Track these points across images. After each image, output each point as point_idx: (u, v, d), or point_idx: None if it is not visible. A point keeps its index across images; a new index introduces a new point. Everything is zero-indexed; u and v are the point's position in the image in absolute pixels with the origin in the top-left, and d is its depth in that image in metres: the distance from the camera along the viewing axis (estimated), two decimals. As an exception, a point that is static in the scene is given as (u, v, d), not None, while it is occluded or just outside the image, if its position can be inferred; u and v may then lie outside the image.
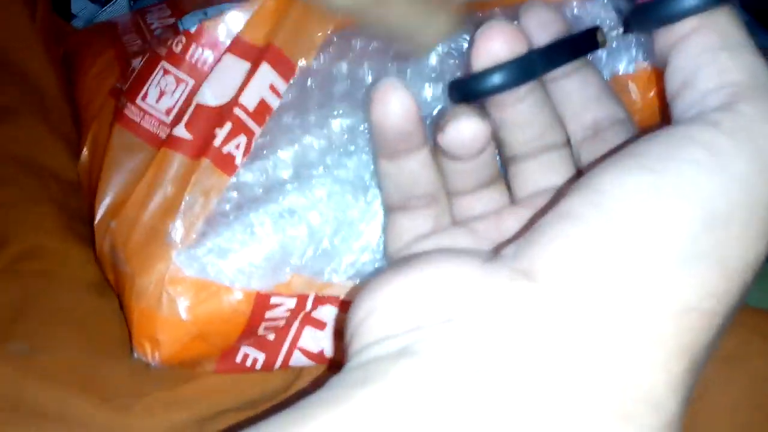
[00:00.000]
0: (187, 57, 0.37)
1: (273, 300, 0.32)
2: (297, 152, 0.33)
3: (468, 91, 0.25)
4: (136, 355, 0.33)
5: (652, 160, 0.19)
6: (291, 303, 0.33)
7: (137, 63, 0.42)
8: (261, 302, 0.32)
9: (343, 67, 0.34)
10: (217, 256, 0.31)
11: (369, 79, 0.34)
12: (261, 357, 0.35)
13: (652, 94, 0.37)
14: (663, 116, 0.35)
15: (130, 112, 0.38)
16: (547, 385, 0.18)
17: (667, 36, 0.22)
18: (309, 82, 0.34)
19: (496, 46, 0.24)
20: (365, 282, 0.23)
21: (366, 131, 0.33)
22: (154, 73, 0.38)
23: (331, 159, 0.33)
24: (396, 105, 0.24)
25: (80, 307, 0.38)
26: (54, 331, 0.36)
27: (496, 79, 0.24)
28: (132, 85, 0.39)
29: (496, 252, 0.22)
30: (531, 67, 0.24)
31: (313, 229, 0.32)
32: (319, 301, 0.34)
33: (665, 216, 0.18)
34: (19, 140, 0.44)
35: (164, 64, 0.38)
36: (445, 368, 0.19)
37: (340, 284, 0.33)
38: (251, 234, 0.32)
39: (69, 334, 0.36)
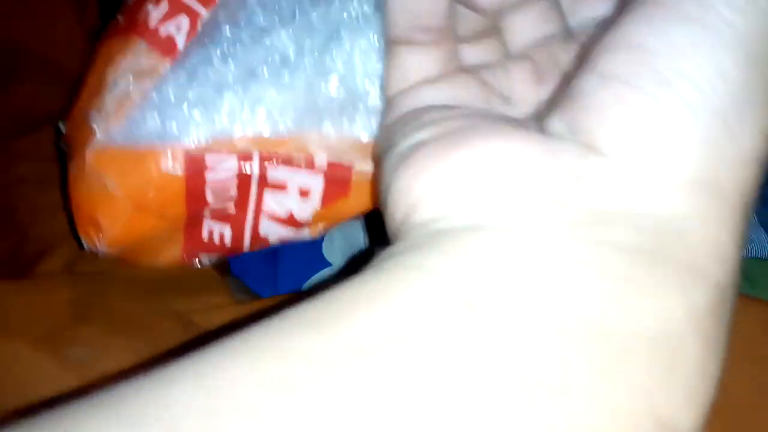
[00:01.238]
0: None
1: (208, 160, 0.31)
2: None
3: None
4: (85, 246, 0.32)
5: (688, 6, 0.18)
6: (232, 163, 0.31)
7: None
8: (193, 163, 0.31)
9: None
10: (142, 117, 0.30)
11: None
12: (227, 230, 0.33)
13: None
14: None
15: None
16: (631, 252, 0.17)
17: None
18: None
19: None
20: (406, 152, 0.21)
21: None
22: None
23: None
24: None
25: (139, 309, 0.37)
26: (114, 335, 0.35)
27: None
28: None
29: (538, 120, 0.21)
30: None
31: (250, 70, 0.31)
32: (269, 160, 0.32)
33: (717, 70, 0.18)
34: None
35: None
36: (529, 242, 0.18)
37: (289, 140, 0.31)
38: (182, 85, 0.30)
39: (128, 337, 0.35)
